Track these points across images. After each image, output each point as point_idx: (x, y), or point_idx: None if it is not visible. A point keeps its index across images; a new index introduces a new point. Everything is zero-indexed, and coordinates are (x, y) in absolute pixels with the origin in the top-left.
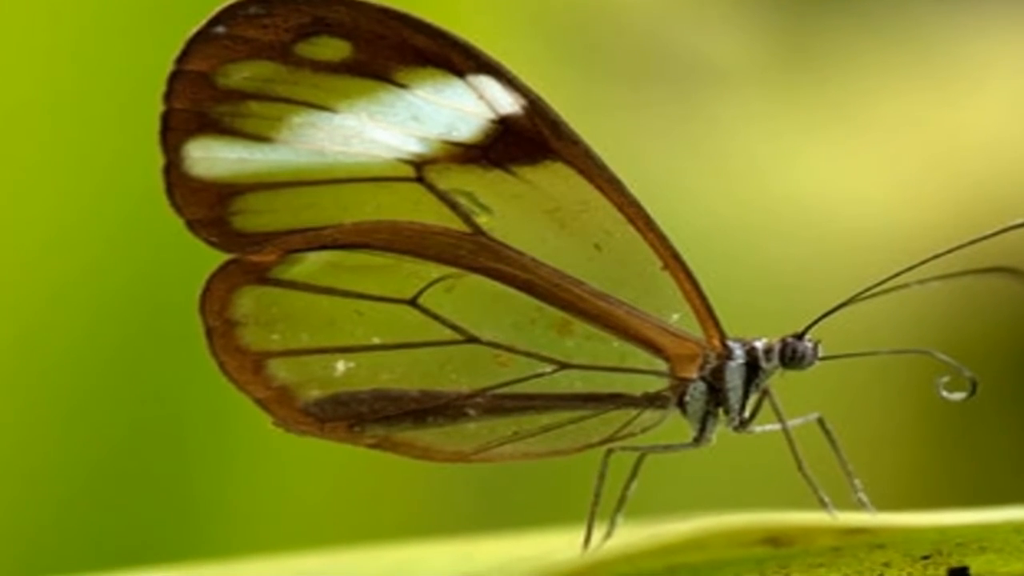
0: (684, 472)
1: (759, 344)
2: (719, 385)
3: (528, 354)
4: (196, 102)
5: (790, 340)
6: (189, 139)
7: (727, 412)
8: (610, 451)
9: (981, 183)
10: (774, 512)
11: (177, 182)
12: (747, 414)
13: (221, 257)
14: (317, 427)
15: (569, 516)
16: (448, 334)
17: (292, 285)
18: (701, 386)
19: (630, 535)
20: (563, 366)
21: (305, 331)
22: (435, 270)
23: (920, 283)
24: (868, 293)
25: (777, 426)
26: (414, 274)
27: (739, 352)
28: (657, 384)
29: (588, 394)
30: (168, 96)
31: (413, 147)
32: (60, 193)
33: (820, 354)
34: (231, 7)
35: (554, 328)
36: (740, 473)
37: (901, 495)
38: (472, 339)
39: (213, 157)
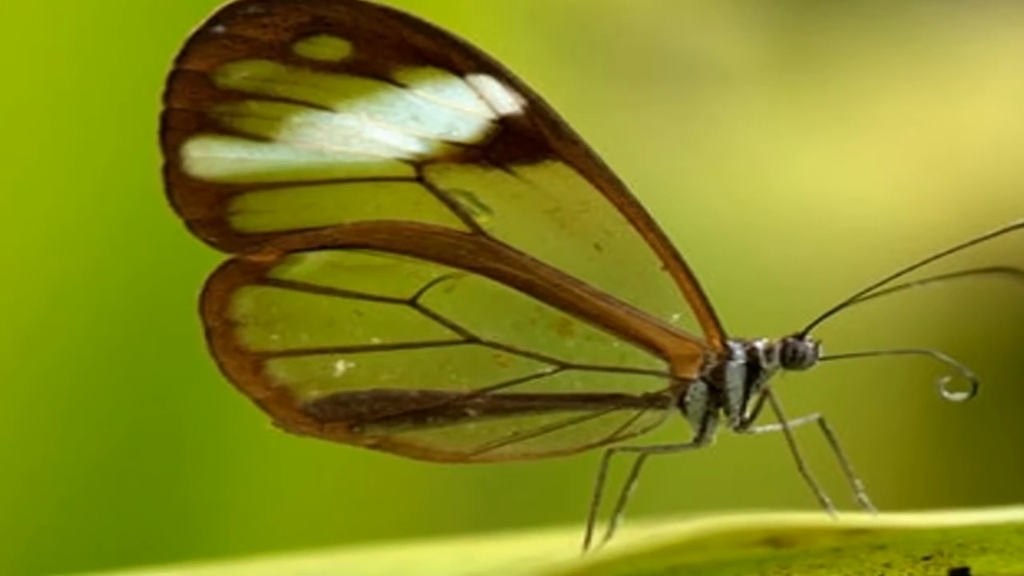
0: (685, 473)
1: (760, 344)
2: (720, 385)
3: (528, 354)
4: (195, 102)
5: (791, 340)
6: (188, 139)
7: (728, 412)
8: (610, 451)
9: (982, 183)
10: (775, 513)
11: (176, 182)
12: (748, 414)
13: (220, 257)
14: (317, 427)
15: (569, 517)
16: (448, 334)
17: (292, 285)
18: (701, 386)
19: (631, 536)
20: (563, 366)
21: (305, 331)
22: (435, 270)
23: (921, 283)
24: (869, 293)
25: (778, 426)
26: (414, 274)
27: (740, 352)
28: (657, 384)
29: (588, 394)
30: (167, 96)
31: (413, 147)
32: (59, 193)
33: (821, 354)
34: (230, 6)
35: (554, 328)
36: (741, 474)
37: (902, 496)
38: (472, 339)
39: (212, 157)
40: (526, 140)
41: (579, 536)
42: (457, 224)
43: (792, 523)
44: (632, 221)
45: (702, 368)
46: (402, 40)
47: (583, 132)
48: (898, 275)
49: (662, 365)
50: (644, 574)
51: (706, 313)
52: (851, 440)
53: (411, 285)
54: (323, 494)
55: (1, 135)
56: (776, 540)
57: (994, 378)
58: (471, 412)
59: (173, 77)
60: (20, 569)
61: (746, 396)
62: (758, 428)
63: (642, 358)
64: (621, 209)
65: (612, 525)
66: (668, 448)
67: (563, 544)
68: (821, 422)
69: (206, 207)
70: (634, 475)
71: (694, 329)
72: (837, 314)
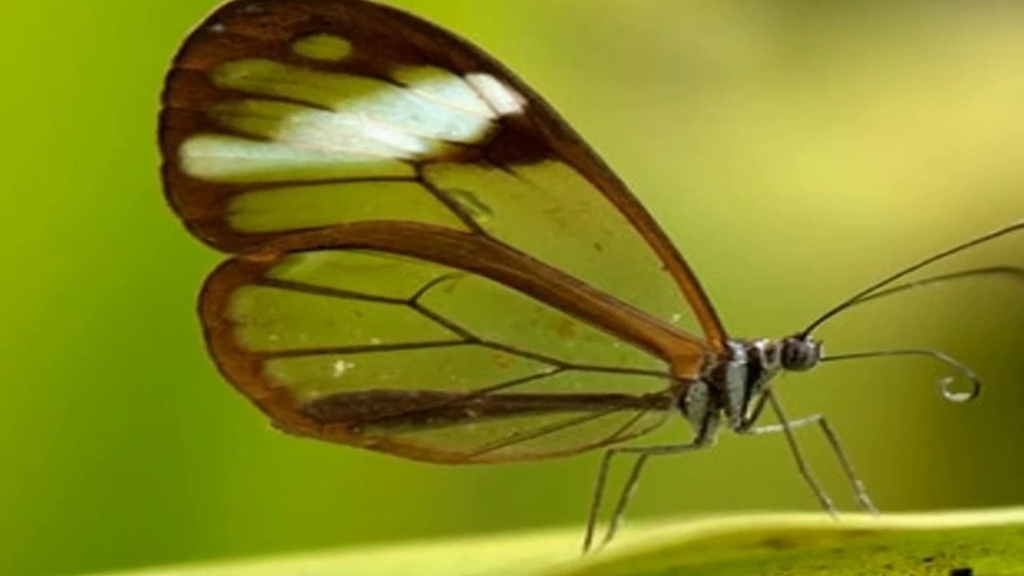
0: (685, 473)
1: (761, 345)
2: (720, 386)
3: (528, 355)
4: (194, 101)
5: (792, 341)
6: (187, 138)
7: (728, 413)
8: (611, 452)
9: (982, 183)
10: (776, 514)
11: (175, 182)
12: (748, 415)
13: (219, 257)
14: (316, 428)
15: (570, 518)
16: (448, 335)
17: (291, 285)
18: (702, 387)
19: (631, 537)
20: (563, 367)
21: (304, 332)
22: (435, 270)
23: (922, 283)
24: (870, 293)
25: (779, 427)
26: (413, 274)
27: (740, 353)
28: (658, 385)
29: (588, 395)
30: (166, 95)
31: (413, 146)
32: (58, 193)
33: (822, 355)
34: (229, 5)
35: (554, 329)
36: (742, 474)
37: (904, 496)
38: (472, 340)
39: (211, 156)
40: (526, 140)
41: (580, 537)
42: (457, 224)
43: (793, 524)
44: (632, 221)
45: (703, 369)
46: (402, 39)
47: (583, 132)
48: (899, 275)
49: (663, 366)
50: (645, 575)
51: (707, 313)
52: (852, 441)
53: (411, 285)
54: (323, 495)
55: (0, 135)
56: (777, 541)
57: (996, 378)
58: (471, 413)
59: (172, 76)
60: (20, 569)
61: (747, 397)
62: (759, 429)
63: (643, 359)
64: (621, 209)
65: (613, 526)
66: (669, 449)
67: (563, 545)
68: (822, 423)
69: (205, 207)
70: (635, 476)
71: (695, 329)
72: (838, 314)
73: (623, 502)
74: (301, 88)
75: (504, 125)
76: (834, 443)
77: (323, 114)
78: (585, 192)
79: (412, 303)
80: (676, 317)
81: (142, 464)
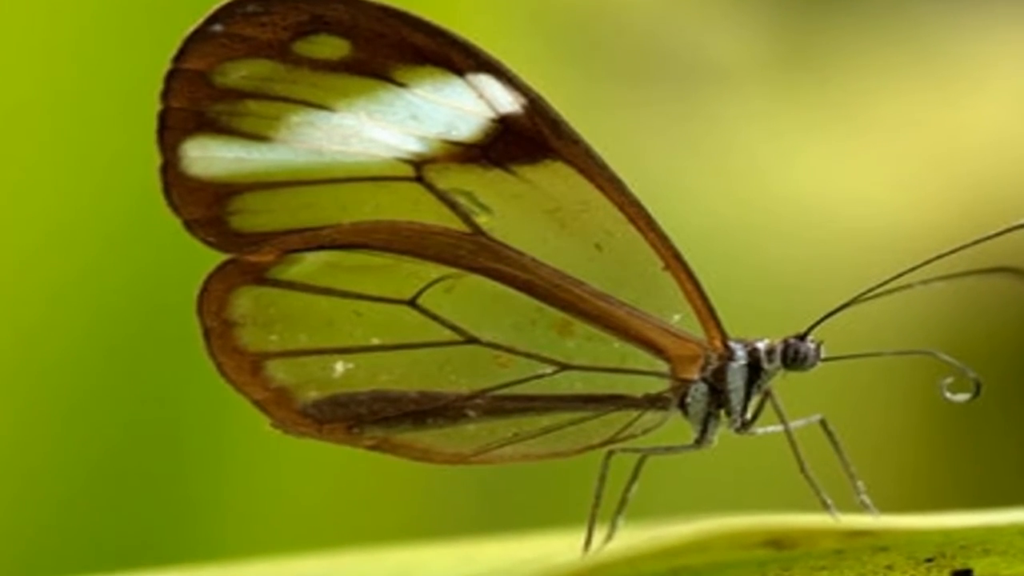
0: (686, 474)
1: (761, 345)
2: (721, 386)
3: (528, 355)
4: (193, 101)
5: (792, 341)
6: (186, 138)
7: (729, 413)
8: (611, 453)
9: (983, 183)
10: (776, 514)
11: (174, 182)
12: (749, 415)
13: (219, 257)
14: (316, 428)
15: (570, 518)
16: (447, 335)
17: (290, 285)
18: (703, 387)
19: (631, 537)
20: (563, 367)
21: (303, 332)
22: (434, 270)
23: (923, 283)
24: (871, 294)
25: (779, 428)
26: (413, 274)
27: (741, 353)
28: (658, 385)
29: (589, 395)
30: (165, 95)
31: (412, 146)
32: (58, 193)
33: (823, 355)
34: (229, 5)
35: (554, 329)
36: (742, 475)
37: (904, 497)
38: (472, 340)
39: (210, 156)
40: (526, 139)
41: (580, 538)
42: (457, 224)
43: (794, 525)
44: (633, 221)
45: (703, 369)
46: (401, 39)
47: (583, 131)
48: (900, 275)
49: (663, 366)
50: None
51: (707, 313)
52: (853, 441)
53: (410, 285)
54: (322, 495)
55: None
56: (778, 542)
57: (997, 379)
58: (471, 413)
59: (171, 76)
60: (20, 569)
61: (747, 397)
62: (759, 429)
63: (643, 359)
64: (622, 209)
65: (613, 527)
66: (669, 449)
67: (564, 546)
68: (823, 423)
69: (204, 207)
70: (635, 476)
71: (695, 330)
72: (839, 314)
73: (623, 502)
74: (300, 88)
75: (504, 125)
76: (835, 443)
77: (323, 114)
78: (585, 192)
79: (412, 303)
80: (676, 317)
81: (142, 464)
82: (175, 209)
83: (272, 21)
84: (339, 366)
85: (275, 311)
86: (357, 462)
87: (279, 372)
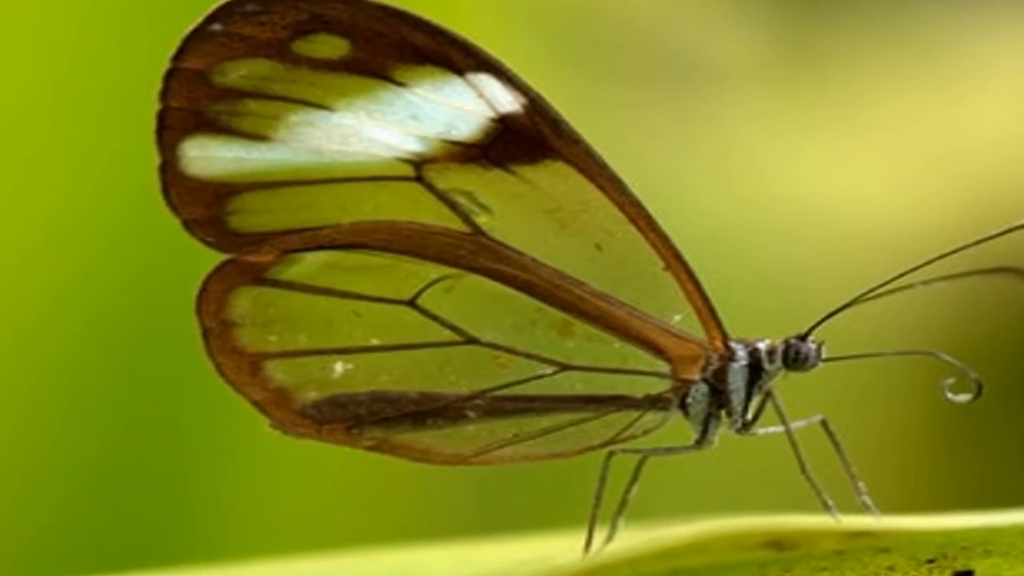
0: (686, 475)
1: (762, 345)
2: (721, 387)
3: (528, 355)
4: (192, 100)
5: (793, 341)
6: (185, 138)
7: (730, 414)
8: (611, 453)
9: (984, 183)
10: (777, 515)
11: (173, 181)
12: (750, 416)
13: (218, 257)
14: (315, 429)
15: (570, 519)
16: (447, 335)
17: (289, 286)
18: (703, 388)
19: (632, 538)
20: (564, 367)
21: (303, 332)
22: (434, 270)
23: (924, 284)
24: (872, 294)
25: (780, 428)
26: (413, 274)
27: (742, 353)
28: (659, 386)
29: (589, 396)
30: (164, 94)
31: (412, 146)
32: (56, 193)
33: (823, 355)
34: (228, 4)
35: (554, 329)
36: (743, 476)
37: (906, 498)
38: (472, 340)
39: (209, 156)
40: (526, 139)
41: (580, 539)
42: (457, 224)
43: (795, 526)
44: (633, 221)
45: (704, 369)
46: (401, 38)
47: (583, 131)
48: (901, 275)
49: (663, 366)
50: None
51: (708, 314)
52: (854, 442)
53: (410, 285)
54: (322, 496)
55: None
56: (778, 543)
57: (998, 379)
58: (471, 414)
59: (170, 76)
60: (20, 569)
61: (748, 398)
62: (760, 430)
63: (643, 359)
64: (622, 209)
65: (613, 528)
66: (669, 450)
67: (564, 547)
68: (824, 424)
69: (203, 207)
70: (635, 477)
71: (696, 330)
72: (840, 315)
73: (624, 503)
74: (300, 87)
75: (504, 124)
76: (836, 444)
77: (322, 113)
78: (585, 192)
79: (411, 303)
80: (677, 317)
81: (142, 464)
82: (174, 209)
83: (271, 20)
84: (338, 366)
85: (274, 311)
86: (357, 462)
87: (278, 372)
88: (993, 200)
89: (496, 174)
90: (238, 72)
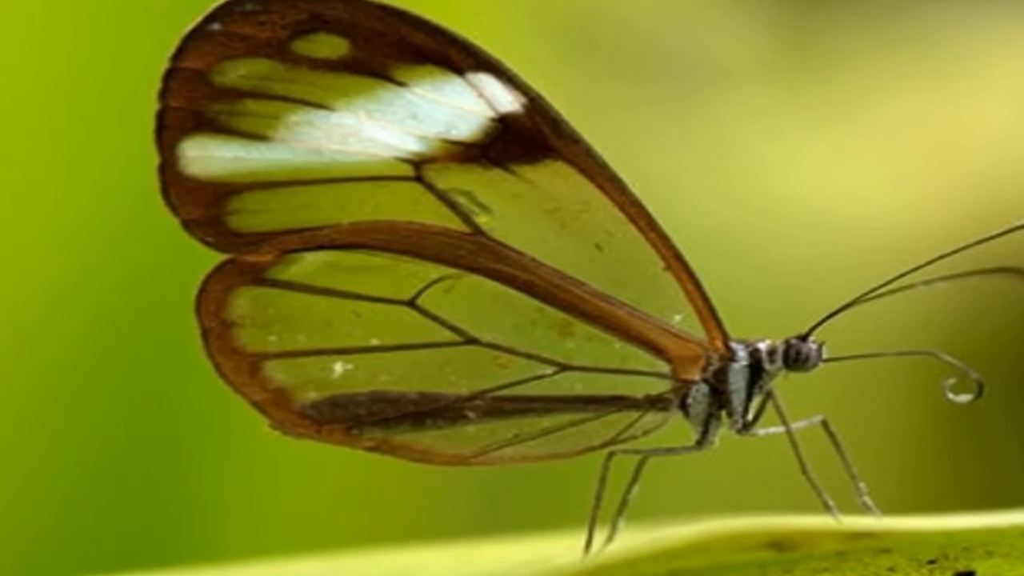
0: (687, 475)
1: (762, 345)
2: (722, 387)
3: (528, 356)
4: (192, 100)
5: (794, 341)
6: (184, 138)
7: (730, 414)
8: (611, 454)
9: (985, 183)
10: (778, 516)
11: (172, 181)
12: (750, 416)
13: (217, 257)
14: (314, 429)
15: (570, 520)
16: (447, 335)
17: (289, 286)
18: (704, 388)
19: (632, 539)
20: (564, 368)
21: (302, 332)
22: (434, 270)
23: (925, 284)
24: (873, 294)
25: (781, 429)
26: (413, 275)
27: (742, 354)
28: (659, 386)
29: (589, 396)
30: (163, 94)
31: (412, 146)
32: (56, 193)
33: (824, 356)
34: (227, 4)
35: (555, 329)
36: (743, 476)
37: (907, 498)
38: (471, 340)
39: (209, 156)
40: (526, 139)
41: (580, 539)
42: (456, 224)
43: (795, 526)
44: (633, 221)
45: (704, 370)
46: (401, 38)
47: (584, 131)
48: (902, 276)
49: (664, 367)
50: None
51: (708, 314)
52: (855, 442)
53: (410, 286)
54: (321, 496)
55: None
56: (779, 543)
57: (999, 379)
58: (471, 414)
59: (169, 75)
60: (19, 569)
61: (749, 398)
62: (761, 430)
63: (644, 359)
64: (622, 209)
65: (613, 528)
66: (670, 450)
67: (564, 548)
68: (825, 424)
69: (202, 207)
70: (635, 478)
71: (696, 330)
72: (840, 315)
73: (624, 504)
74: (299, 87)
75: (504, 124)
76: (836, 444)
77: (321, 113)
78: (586, 192)
79: (411, 304)
80: (677, 318)
81: (142, 464)
82: (173, 209)
83: (271, 20)
84: (338, 367)
85: (274, 311)
86: (357, 463)
87: (278, 373)
88: (993, 200)
89: (496, 174)
90: (237, 72)
